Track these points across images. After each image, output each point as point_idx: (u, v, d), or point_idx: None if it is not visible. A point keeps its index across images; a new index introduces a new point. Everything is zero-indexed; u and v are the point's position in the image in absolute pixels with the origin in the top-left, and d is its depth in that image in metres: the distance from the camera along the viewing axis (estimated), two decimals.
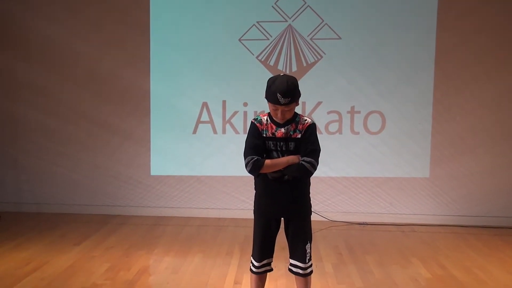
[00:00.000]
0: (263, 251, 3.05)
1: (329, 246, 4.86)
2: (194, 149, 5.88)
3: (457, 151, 5.67)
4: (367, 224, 5.69)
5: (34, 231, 5.23)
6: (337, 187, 5.80)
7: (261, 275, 3.11)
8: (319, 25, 5.66)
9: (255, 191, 3.09)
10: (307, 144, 2.90)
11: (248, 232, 5.12)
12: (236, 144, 5.63)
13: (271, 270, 3.13)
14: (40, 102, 5.94)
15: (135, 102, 5.88)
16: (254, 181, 3.08)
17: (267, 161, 2.90)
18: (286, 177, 2.93)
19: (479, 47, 5.54)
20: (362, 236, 5.30)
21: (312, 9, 5.65)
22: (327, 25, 5.65)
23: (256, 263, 3.07)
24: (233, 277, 4.02)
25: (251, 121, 3.01)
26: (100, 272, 4.07)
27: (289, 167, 2.89)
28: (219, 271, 4.15)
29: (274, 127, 2.94)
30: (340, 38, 5.66)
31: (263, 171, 2.91)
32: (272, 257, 3.10)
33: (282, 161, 2.90)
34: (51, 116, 5.94)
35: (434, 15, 5.54)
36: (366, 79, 5.68)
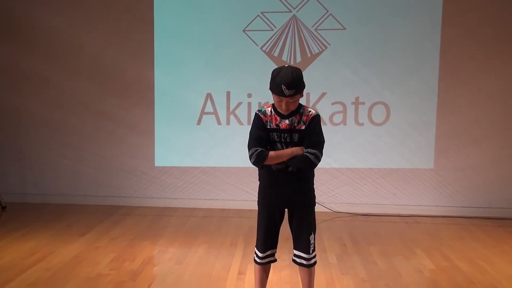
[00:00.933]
0: (267, 242, 3.06)
1: (333, 237, 4.87)
2: (198, 140, 5.88)
3: (462, 142, 5.65)
4: (371, 215, 5.70)
5: (39, 221, 5.26)
6: (341, 178, 5.80)
7: (265, 266, 3.12)
8: (323, 16, 5.63)
9: (259, 182, 3.10)
10: (311, 135, 2.90)
11: (252, 223, 5.13)
12: (240, 135, 5.63)
13: (275, 261, 3.13)
14: (44, 94, 5.95)
15: (139, 94, 5.88)
16: (258, 172, 3.08)
17: (271, 153, 2.90)
18: (290, 168, 2.93)
19: (484, 38, 5.50)
20: (366, 227, 5.31)
21: None
22: (332, 15, 5.62)
23: (260, 254, 3.07)
24: (237, 267, 4.03)
25: (255, 113, 3.00)
26: (105, 262, 4.09)
27: (293, 158, 2.89)
28: (224, 262, 4.16)
29: (278, 118, 2.93)
30: (344, 28, 5.63)
31: (267, 162, 2.91)
32: (276, 248, 3.10)
33: (286, 153, 2.90)
34: (56, 107, 5.95)
35: (439, 6, 5.50)
36: (370, 70, 5.65)
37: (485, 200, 5.66)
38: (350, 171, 5.80)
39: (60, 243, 4.56)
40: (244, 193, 5.85)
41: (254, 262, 3.13)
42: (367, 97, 5.69)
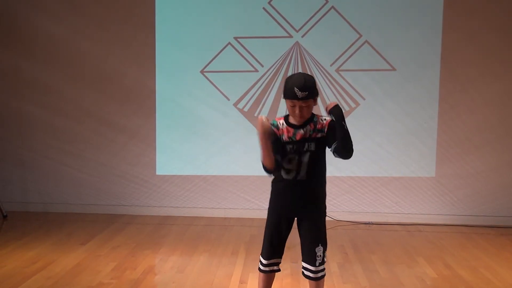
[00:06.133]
0: (271, 249, 3.03)
1: (334, 246, 4.85)
2: (199, 148, 5.87)
3: (463, 149, 5.65)
4: (373, 223, 5.68)
5: (41, 230, 5.26)
6: (343, 187, 5.79)
7: (268, 275, 3.09)
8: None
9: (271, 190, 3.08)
10: (335, 132, 2.87)
11: (254, 231, 5.14)
12: (241, 143, 5.63)
13: (279, 270, 3.10)
14: (45, 100, 5.95)
15: (140, 101, 5.89)
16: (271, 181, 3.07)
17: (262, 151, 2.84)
18: (299, 177, 2.91)
19: (485, 44, 5.51)
20: (368, 235, 5.30)
21: None
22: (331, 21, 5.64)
23: (264, 261, 3.05)
24: (238, 276, 4.02)
25: None
26: (106, 271, 4.08)
27: (335, 107, 2.89)
28: (225, 271, 4.15)
29: (291, 130, 2.90)
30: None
31: (265, 163, 2.85)
32: (280, 257, 3.07)
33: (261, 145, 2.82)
34: (57, 114, 5.95)
35: (440, 12, 5.51)
36: (371, 77, 5.66)
37: (487, 208, 5.65)
38: (351, 179, 5.79)
39: (61, 251, 4.55)
40: (246, 202, 5.82)
41: (258, 270, 3.11)
42: (368, 104, 5.69)
